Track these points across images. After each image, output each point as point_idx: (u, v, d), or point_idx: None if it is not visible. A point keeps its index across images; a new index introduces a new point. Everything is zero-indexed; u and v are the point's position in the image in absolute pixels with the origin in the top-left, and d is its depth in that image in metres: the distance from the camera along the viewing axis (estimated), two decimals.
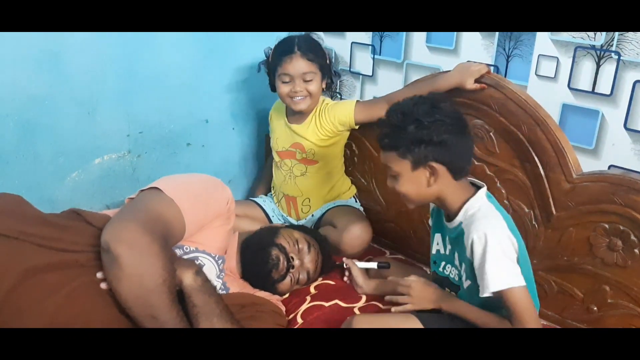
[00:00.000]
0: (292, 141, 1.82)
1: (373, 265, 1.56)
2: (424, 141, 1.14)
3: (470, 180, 1.25)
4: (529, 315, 1.11)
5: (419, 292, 1.29)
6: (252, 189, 2.14)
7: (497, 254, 1.12)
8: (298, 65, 1.67)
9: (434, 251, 1.34)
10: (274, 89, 1.78)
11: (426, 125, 1.13)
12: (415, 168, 1.17)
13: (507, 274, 1.11)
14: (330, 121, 1.76)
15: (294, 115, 1.80)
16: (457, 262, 1.25)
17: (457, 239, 1.22)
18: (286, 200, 1.88)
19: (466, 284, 1.23)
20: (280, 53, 1.70)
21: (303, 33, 1.77)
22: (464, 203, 1.20)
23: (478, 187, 1.23)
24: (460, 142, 1.16)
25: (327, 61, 1.75)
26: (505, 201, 1.49)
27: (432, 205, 1.35)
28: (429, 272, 1.46)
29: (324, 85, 1.76)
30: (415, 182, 1.18)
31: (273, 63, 1.73)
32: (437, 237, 1.32)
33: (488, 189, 1.51)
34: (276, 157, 1.88)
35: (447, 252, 1.29)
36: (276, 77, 1.72)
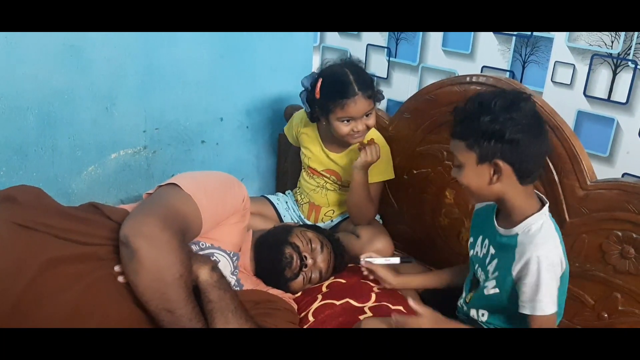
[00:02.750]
0: (327, 167, 1.78)
1: (395, 261, 1.48)
2: (494, 136, 1.08)
3: (536, 192, 1.22)
4: None
5: (426, 323, 1.18)
6: (280, 184, 2.14)
7: (552, 282, 1.12)
8: (361, 106, 1.56)
9: (472, 252, 1.32)
10: (315, 120, 1.69)
11: (500, 120, 1.08)
12: (480, 162, 1.12)
13: (551, 302, 1.12)
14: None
15: (333, 143, 1.73)
16: (490, 267, 1.23)
17: (507, 247, 1.18)
18: (310, 207, 1.88)
19: (492, 290, 1.21)
20: (339, 95, 1.56)
21: (349, 62, 1.62)
22: (527, 216, 1.16)
23: (542, 202, 1.19)
24: (532, 145, 1.10)
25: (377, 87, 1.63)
26: None
27: (477, 206, 1.33)
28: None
29: None
30: (478, 176, 1.13)
31: (326, 103, 1.60)
32: (479, 240, 1.30)
33: None
34: (307, 170, 1.84)
35: (482, 255, 1.27)
36: (331, 116, 1.60)
